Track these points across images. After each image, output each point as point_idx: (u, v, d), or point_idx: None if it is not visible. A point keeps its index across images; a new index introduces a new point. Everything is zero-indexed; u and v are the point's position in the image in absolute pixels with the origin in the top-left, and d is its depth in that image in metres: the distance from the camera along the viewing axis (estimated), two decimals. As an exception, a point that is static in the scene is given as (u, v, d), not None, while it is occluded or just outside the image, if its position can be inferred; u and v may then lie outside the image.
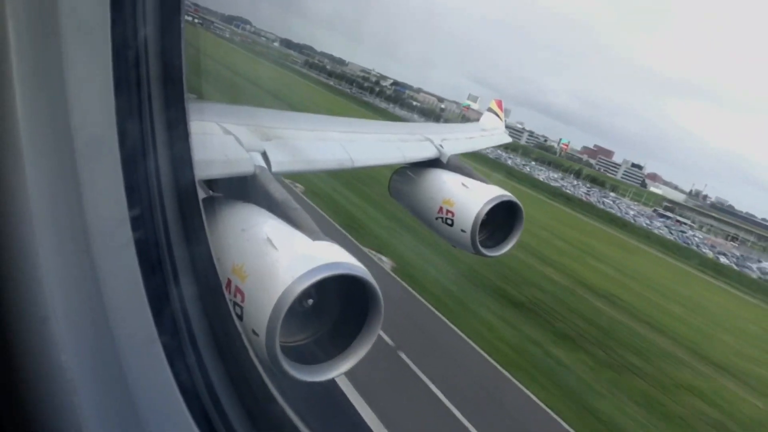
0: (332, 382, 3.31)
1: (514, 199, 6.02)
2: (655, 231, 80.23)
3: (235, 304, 2.99)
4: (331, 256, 3.11)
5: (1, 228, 1.30)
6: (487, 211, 5.78)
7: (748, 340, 35.93)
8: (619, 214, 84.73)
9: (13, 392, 1.38)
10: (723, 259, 72.83)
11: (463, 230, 5.83)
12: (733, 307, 48.83)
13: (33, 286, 1.32)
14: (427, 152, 6.41)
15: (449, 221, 5.96)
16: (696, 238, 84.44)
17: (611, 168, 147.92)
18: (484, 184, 6.16)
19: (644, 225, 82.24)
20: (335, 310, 3.38)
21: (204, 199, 3.67)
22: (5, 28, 1.20)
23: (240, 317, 2.98)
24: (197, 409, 1.63)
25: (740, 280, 63.43)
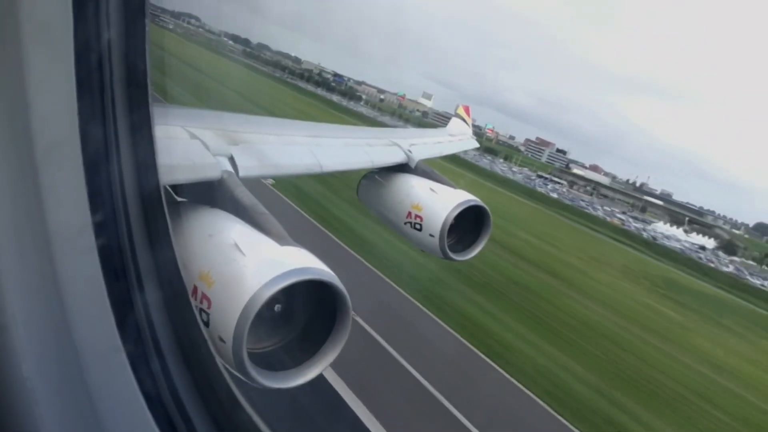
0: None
1: (481, 203, 6.08)
2: (539, 189, 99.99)
3: (201, 310, 2.95)
4: (299, 261, 3.09)
5: None
6: (455, 216, 5.84)
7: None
8: (503, 174, 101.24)
9: None
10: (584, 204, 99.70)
11: (431, 235, 5.86)
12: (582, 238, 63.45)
13: None
14: (396, 157, 6.42)
15: (418, 226, 5.99)
16: (567, 193, 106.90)
17: (537, 153, 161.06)
18: (452, 189, 6.21)
19: (525, 183, 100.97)
20: (303, 315, 3.36)
21: (170, 205, 3.60)
22: None
23: (206, 324, 2.94)
24: (162, 417, 1.60)
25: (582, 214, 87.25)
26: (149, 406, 1.55)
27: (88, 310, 1.43)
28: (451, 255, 6.04)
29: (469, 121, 9.45)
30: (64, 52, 1.30)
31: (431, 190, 6.08)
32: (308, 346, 3.25)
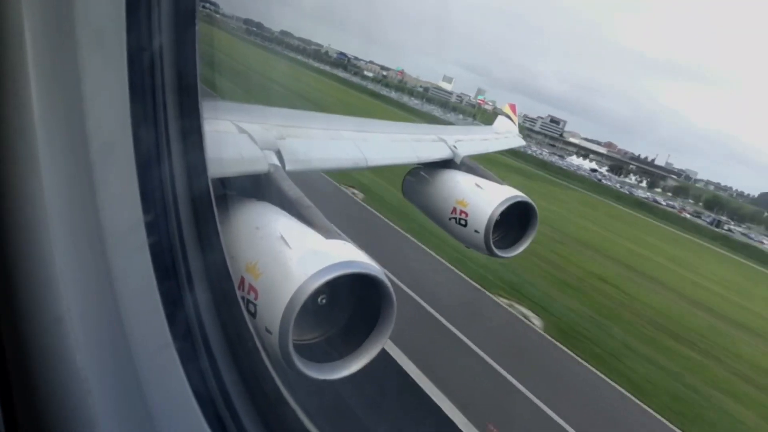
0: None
1: (528, 199, 5.98)
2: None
3: (248, 301, 2.99)
4: (344, 255, 3.11)
5: (18, 230, 1.32)
6: (501, 212, 5.75)
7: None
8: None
9: (28, 391, 1.39)
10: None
11: (476, 231, 5.80)
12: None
13: (48, 287, 1.34)
14: (441, 153, 6.38)
15: (463, 222, 5.93)
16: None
17: (531, 123, 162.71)
18: (498, 185, 6.13)
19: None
20: (348, 308, 3.37)
21: (218, 198, 3.67)
22: (22, 34, 1.21)
23: (253, 315, 2.98)
24: (210, 412, 1.64)
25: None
26: (198, 401, 1.59)
27: (140, 305, 1.47)
28: (496, 251, 5.96)
29: (516, 120, 9.40)
30: (117, 56, 1.34)
31: (477, 185, 6.01)
32: (352, 339, 3.27)
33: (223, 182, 3.71)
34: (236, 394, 1.75)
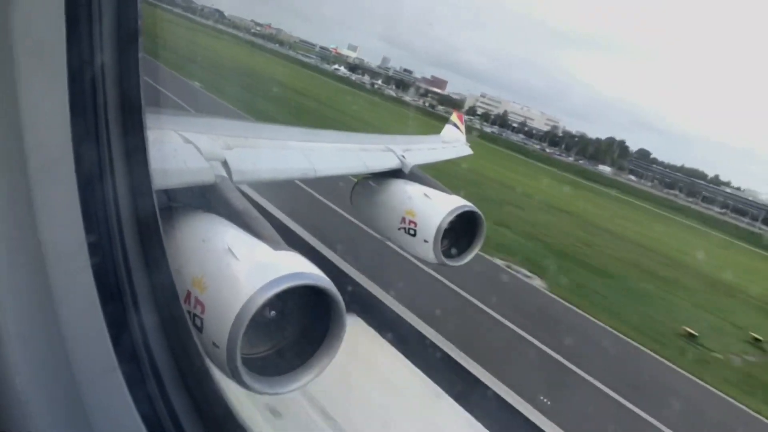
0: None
1: (475, 209, 6.10)
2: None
3: (194, 316, 2.93)
4: (293, 266, 3.08)
5: None
6: (449, 222, 5.85)
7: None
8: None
9: None
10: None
11: (425, 240, 5.87)
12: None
13: None
14: (390, 162, 6.43)
15: (412, 231, 5.99)
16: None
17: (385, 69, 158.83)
18: (446, 195, 6.21)
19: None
20: (298, 320, 3.34)
21: (163, 210, 3.58)
22: None
23: (200, 329, 2.92)
24: None
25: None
26: (146, 425, 1.55)
27: (84, 327, 1.43)
28: (445, 260, 6.05)
29: (463, 128, 9.53)
30: (57, 70, 1.30)
31: (425, 195, 6.08)
32: (303, 352, 3.24)
33: (168, 194, 3.62)
34: (185, 416, 1.72)
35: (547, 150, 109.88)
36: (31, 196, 1.29)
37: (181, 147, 3.74)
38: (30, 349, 1.34)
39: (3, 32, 1.20)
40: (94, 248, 1.43)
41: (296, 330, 3.33)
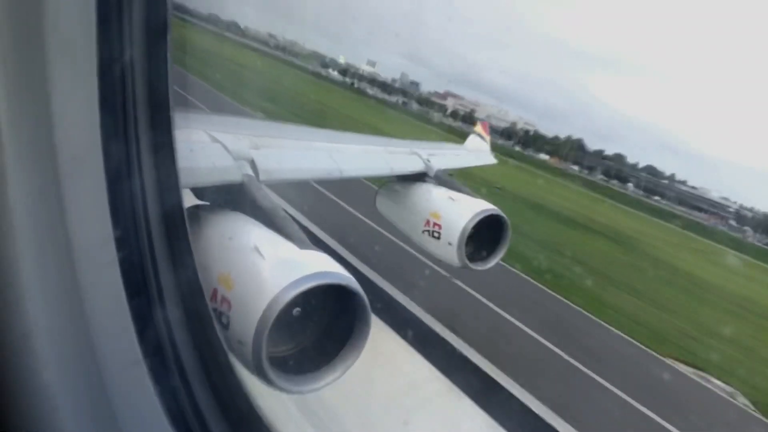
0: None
1: (500, 212, 6.05)
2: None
3: (220, 313, 2.94)
4: (318, 265, 3.08)
5: None
6: (474, 225, 5.81)
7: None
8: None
9: None
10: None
11: (449, 243, 5.84)
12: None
13: (15, 302, 1.30)
14: (415, 166, 6.43)
15: (436, 234, 5.97)
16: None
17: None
18: (471, 198, 6.19)
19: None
20: (322, 319, 3.34)
21: (190, 208, 3.63)
22: None
23: (226, 327, 2.94)
24: (183, 430, 1.61)
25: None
26: (169, 419, 1.56)
27: (109, 321, 1.44)
28: (469, 264, 6.01)
29: (487, 138, 9.58)
30: (87, 68, 1.32)
31: (450, 198, 6.07)
32: (327, 351, 3.23)
33: (195, 192, 3.66)
34: (209, 411, 1.73)
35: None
36: (60, 191, 1.31)
37: (209, 146, 3.78)
38: (57, 342, 1.35)
39: (35, 31, 1.22)
40: (121, 243, 1.44)
41: (321, 329, 3.33)
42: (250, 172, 3.86)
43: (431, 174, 6.50)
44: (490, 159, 9.32)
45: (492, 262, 6.32)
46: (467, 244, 5.86)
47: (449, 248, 5.86)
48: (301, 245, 3.25)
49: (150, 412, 1.53)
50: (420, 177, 6.50)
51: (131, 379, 1.50)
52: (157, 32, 1.53)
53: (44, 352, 1.33)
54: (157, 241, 1.62)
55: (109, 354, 1.42)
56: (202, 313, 1.88)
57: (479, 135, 9.44)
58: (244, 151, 3.96)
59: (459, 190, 6.30)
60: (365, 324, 3.19)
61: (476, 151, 9.13)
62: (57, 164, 1.29)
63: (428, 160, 6.56)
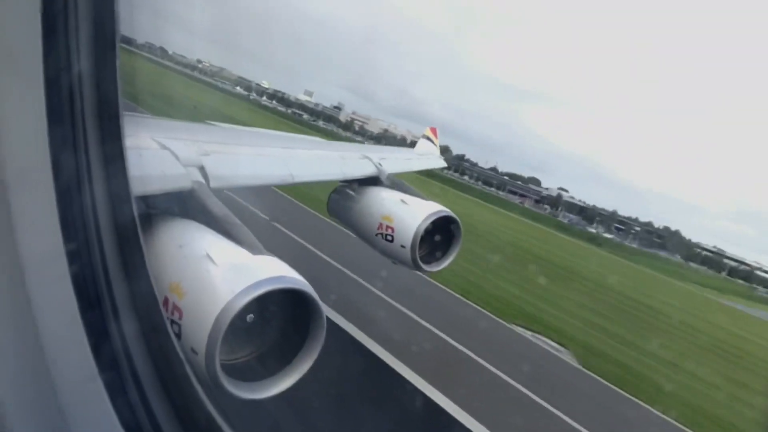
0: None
1: (452, 214, 6.16)
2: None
3: (172, 322, 2.91)
4: (272, 271, 3.08)
5: None
6: (426, 227, 5.90)
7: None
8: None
9: None
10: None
11: (402, 246, 5.91)
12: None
13: None
14: (367, 170, 6.47)
15: (389, 237, 6.02)
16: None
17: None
18: (422, 201, 6.27)
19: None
20: (277, 325, 3.34)
21: (141, 216, 3.55)
22: None
23: (178, 336, 2.90)
24: None
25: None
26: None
27: (63, 336, 1.41)
28: (422, 266, 6.09)
29: (437, 142, 9.74)
30: (34, 78, 1.29)
31: (402, 201, 6.14)
32: (282, 356, 3.23)
33: (146, 200, 3.60)
34: (166, 424, 1.71)
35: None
36: (9, 203, 1.27)
37: (158, 152, 3.72)
38: (9, 357, 1.32)
39: None
40: (72, 255, 1.42)
41: (276, 334, 3.33)
42: (200, 178, 3.82)
43: (383, 178, 6.56)
44: (439, 162, 9.46)
45: (445, 263, 6.42)
46: (420, 246, 5.94)
47: (402, 251, 5.92)
48: (253, 251, 3.24)
49: (107, 427, 1.50)
50: (372, 181, 6.55)
51: (87, 394, 1.47)
52: (105, 40, 1.50)
53: None
54: (110, 252, 1.59)
55: (64, 369, 1.39)
56: (158, 324, 1.87)
57: (429, 139, 9.58)
58: (194, 158, 3.92)
59: (411, 193, 6.38)
60: (320, 328, 3.20)
61: (426, 154, 9.27)
62: (5, 176, 1.26)
63: (380, 164, 6.61)
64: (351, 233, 6.79)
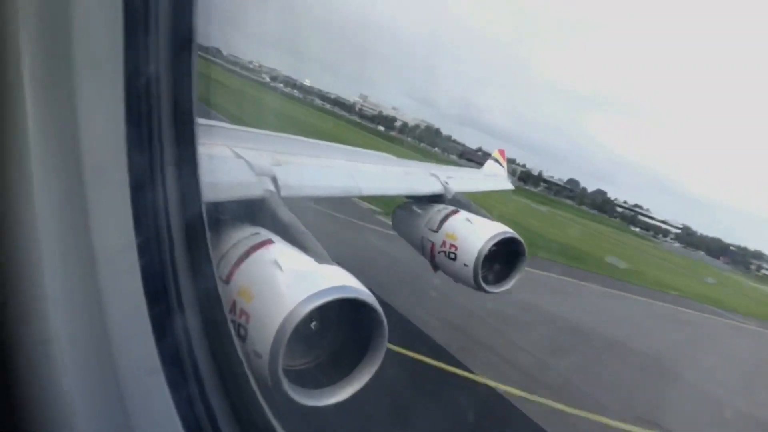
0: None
1: (516, 235, 6.04)
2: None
3: (239, 325, 2.97)
4: (336, 280, 3.11)
5: (9, 248, 1.30)
6: (490, 247, 5.80)
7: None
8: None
9: (13, 413, 1.36)
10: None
11: (465, 264, 5.83)
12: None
13: (36, 307, 1.32)
14: (433, 187, 6.46)
15: (452, 255, 5.97)
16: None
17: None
18: (488, 221, 6.19)
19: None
20: (339, 334, 3.35)
21: (211, 222, 3.66)
22: (19, 54, 1.21)
23: (243, 339, 2.96)
24: None
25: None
26: (185, 428, 1.56)
27: (129, 329, 1.45)
28: (485, 286, 5.99)
29: (504, 164, 9.68)
30: (114, 79, 1.34)
31: (467, 220, 6.08)
32: (343, 365, 3.24)
33: (217, 207, 3.72)
34: (224, 422, 1.72)
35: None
36: (85, 198, 1.33)
37: (232, 161, 3.85)
38: (77, 349, 1.36)
39: (64, 43, 1.25)
40: (142, 251, 1.46)
41: (338, 343, 3.34)
42: (272, 187, 3.92)
43: (449, 196, 6.52)
44: (506, 184, 9.35)
45: (508, 285, 6.29)
46: (483, 265, 5.85)
47: (465, 269, 5.85)
48: (319, 260, 3.28)
49: (166, 420, 1.53)
50: (438, 198, 6.53)
51: (149, 388, 1.50)
52: (182, 46, 1.55)
53: (64, 359, 1.34)
54: (178, 250, 1.63)
55: (128, 361, 1.43)
56: (220, 323, 1.90)
57: (496, 160, 9.50)
58: (266, 167, 4.03)
59: (476, 212, 6.31)
60: (381, 338, 3.19)
61: (493, 175, 9.18)
62: (81, 172, 1.31)
63: (446, 183, 6.58)
64: (415, 250, 6.76)
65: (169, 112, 1.55)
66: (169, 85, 1.53)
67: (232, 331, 2.14)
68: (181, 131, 1.60)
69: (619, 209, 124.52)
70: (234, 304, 3.03)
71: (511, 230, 6.04)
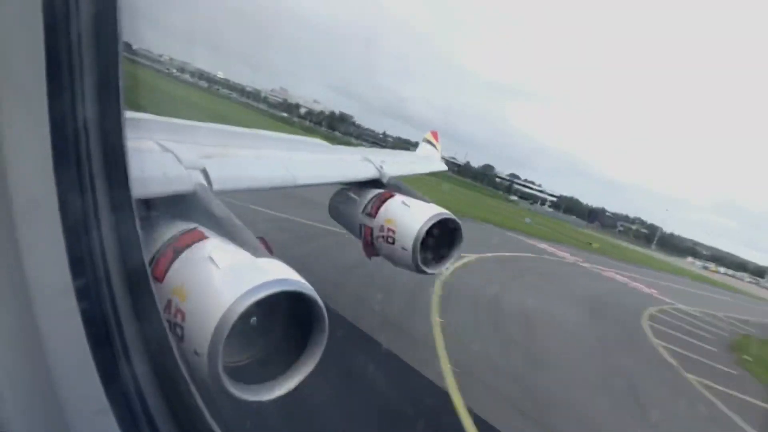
0: None
1: (453, 216, 6.16)
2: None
3: (175, 324, 2.91)
4: (274, 273, 3.08)
5: None
6: (427, 229, 5.90)
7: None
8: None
9: None
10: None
11: (404, 248, 5.90)
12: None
13: None
14: (368, 172, 6.47)
15: (390, 239, 6.02)
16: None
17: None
18: (424, 203, 6.27)
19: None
20: (279, 327, 3.33)
21: (142, 219, 3.54)
22: None
23: (180, 338, 2.90)
24: None
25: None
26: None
27: (73, 368, 1.41)
28: (424, 267, 6.09)
29: (438, 146, 9.78)
30: (39, 112, 1.28)
31: (403, 204, 6.14)
32: (284, 359, 3.22)
33: (147, 203, 3.60)
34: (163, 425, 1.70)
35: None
36: (16, 236, 1.28)
37: (160, 155, 3.72)
38: (19, 389, 1.33)
39: None
40: (81, 291, 1.42)
41: (278, 337, 3.32)
42: (203, 181, 3.83)
43: (384, 180, 6.56)
44: (441, 165, 9.48)
45: (446, 265, 6.42)
46: (421, 247, 5.94)
47: (404, 253, 5.92)
48: (256, 253, 3.24)
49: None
50: (373, 183, 6.55)
51: (97, 428, 1.47)
52: (106, 41, 1.48)
53: (6, 399, 1.30)
54: (112, 261, 1.57)
55: (74, 402, 1.39)
56: (158, 326, 1.86)
57: (430, 142, 9.60)
58: (196, 160, 3.92)
59: (412, 196, 6.38)
60: (322, 331, 3.20)
61: (427, 157, 9.28)
62: (11, 209, 1.26)
63: (381, 167, 6.61)
64: (352, 236, 6.78)
65: (98, 145, 1.48)
66: (96, 119, 1.46)
67: (168, 332, 2.10)
68: (108, 128, 1.52)
69: (498, 179, 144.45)
70: (169, 303, 2.95)
71: (447, 211, 6.15)
